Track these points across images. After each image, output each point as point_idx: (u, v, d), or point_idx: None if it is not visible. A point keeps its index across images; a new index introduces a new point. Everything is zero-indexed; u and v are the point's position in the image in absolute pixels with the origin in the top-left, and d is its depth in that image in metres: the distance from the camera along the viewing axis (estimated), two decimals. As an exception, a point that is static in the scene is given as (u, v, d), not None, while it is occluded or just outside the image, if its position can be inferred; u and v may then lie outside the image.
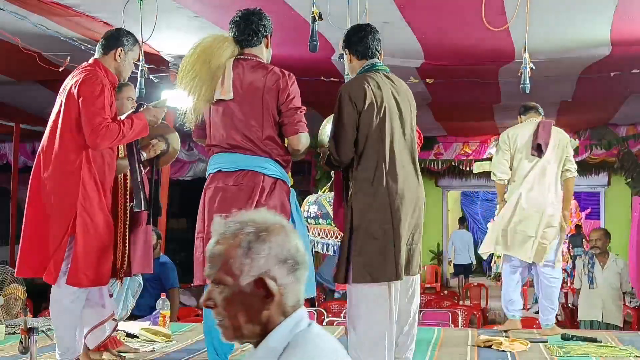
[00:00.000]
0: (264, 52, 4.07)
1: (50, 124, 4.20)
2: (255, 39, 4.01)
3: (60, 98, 4.21)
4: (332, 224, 4.72)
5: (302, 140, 3.95)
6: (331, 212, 4.67)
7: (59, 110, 4.17)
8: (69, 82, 4.22)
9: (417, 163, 4.08)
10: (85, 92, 4.07)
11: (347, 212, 3.87)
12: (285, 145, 3.98)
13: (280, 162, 3.95)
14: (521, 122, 6.34)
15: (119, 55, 4.32)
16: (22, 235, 4.19)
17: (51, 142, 4.15)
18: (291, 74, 3.98)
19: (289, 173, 4.10)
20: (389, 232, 3.79)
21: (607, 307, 7.76)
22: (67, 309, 4.18)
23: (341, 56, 5.24)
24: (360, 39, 4.11)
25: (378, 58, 4.14)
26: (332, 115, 4.07)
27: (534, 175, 5.95)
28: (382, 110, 3.90)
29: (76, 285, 4.09)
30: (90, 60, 4.34)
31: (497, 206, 6.32)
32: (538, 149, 5.98)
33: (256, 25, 4.01)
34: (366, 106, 3.86)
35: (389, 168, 3.86)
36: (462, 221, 17.36)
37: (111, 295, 4.69)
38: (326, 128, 4.42)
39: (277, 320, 1.80)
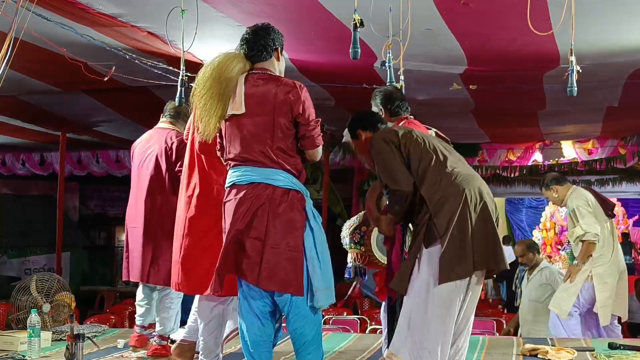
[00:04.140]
0: (275, 66, 4.10)
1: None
2: (264, 53, 4.05)
3: None
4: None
5: (320, 152, 4.07)
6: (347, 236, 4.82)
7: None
8: None
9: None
10: None
11: (422, 222, 3.95)
12: (297, 153, 4.00)
13: (293, 171, 3.96)
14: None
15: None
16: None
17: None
18: (302, 85, 4.00)
19: (304, 179, 4.09)
20: (466, 230, 3.86)
21: (527, 322, 7.37)
22: None
23: (383, 63, 5.26)
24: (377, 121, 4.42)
25: None
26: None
27: None
28: (421, 136, 4.10)
29: None
30: None
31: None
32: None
33: (264, 40, 4.04)
34: (405, 140, 4.04)
35: (458, 177, 3.98)
36: None
37: None
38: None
39: None
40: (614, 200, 16.58)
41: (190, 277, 4.47)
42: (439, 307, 3.86)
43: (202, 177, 4.51)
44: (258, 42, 4.03)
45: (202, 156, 4.49)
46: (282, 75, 4.13)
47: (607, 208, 6.64)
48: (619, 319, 6.77)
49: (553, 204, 6.90)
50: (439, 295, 3.85)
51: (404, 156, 4.01)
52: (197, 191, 4.49)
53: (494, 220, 3.99)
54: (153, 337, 5.35)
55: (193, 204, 4.49)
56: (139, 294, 5.47)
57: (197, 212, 4.48)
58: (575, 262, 6.66)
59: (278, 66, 4.12)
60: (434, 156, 4.02)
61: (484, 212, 3.92)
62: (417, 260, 3.93)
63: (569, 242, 17.37)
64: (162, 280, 5.15)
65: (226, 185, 4.03)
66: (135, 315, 5.51)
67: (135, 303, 5.53)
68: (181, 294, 5.24)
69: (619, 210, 16.90)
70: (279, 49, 4.11)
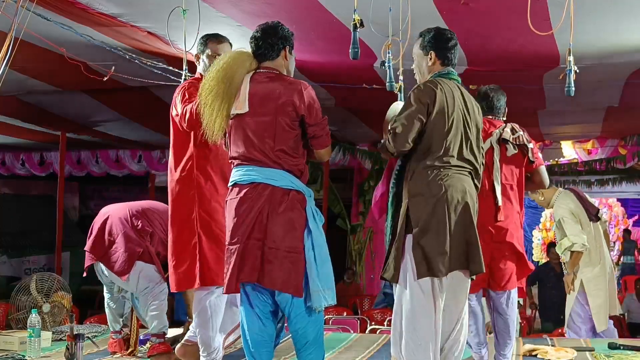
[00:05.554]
0: (282, 65, 4.10)
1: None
2: (272, 52, 4.05)
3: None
4: None
5: (330, 151, 4.12)
6: None
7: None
8: None
9: (479, 174, 4.15)
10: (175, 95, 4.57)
11: (403, 211, 3.93)
12: (300, 154, 4.00)
13: (294, 171, 3.96)
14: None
15: (197, 61, 4.75)
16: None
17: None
18: (307, 85, 4.00)
19: (306, 179, 4.08)
20: (443, 229, 3.86)
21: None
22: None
23: (383, 63, 5.24)
24: (452, 46, 4.21)
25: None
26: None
27: None
28: (451, 118, 3.98)
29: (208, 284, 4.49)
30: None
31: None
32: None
33: (272, 39, 4.04)
34: (435, 110, 3.93)
35: (447, 173, 3.94)
36: None
37: None
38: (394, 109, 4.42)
39: None
40: (613, 200, 16.65)
41: (176, 274, 4.54)
42: (422, 301, 3.87)
43: (171, 173, 4.61)
44: (265, 41, 4.04)
45: (172, 149, 4.59)
46: (291, 75, 4.13)
47: (591, 212, 6.73)
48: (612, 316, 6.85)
49: (540, 205, 6.94)
50: (421, 289, 3.87)
51: (424, 123, 3.94)
52: (170, 187, 4.62)
53: (475, 221, 3.99)
54: (149, 339, 5.34)
55: (170, 199, 4.62)
56: (105, 297, 5.52)
57: (172, 209, 4.60)
58: (566, 271, 6.74)
59: (286, 65, 4.11)
60: (442, 149, 3.95)
61: (465, 213, 3.93)
62: (401, 250, 3.93)
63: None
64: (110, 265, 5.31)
65: (229, 184, 4.05)
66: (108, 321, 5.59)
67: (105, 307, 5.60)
68: (165, 288, 5.27)
69: (618, 210, 16.91)
70: (287, 48, 4.10)
